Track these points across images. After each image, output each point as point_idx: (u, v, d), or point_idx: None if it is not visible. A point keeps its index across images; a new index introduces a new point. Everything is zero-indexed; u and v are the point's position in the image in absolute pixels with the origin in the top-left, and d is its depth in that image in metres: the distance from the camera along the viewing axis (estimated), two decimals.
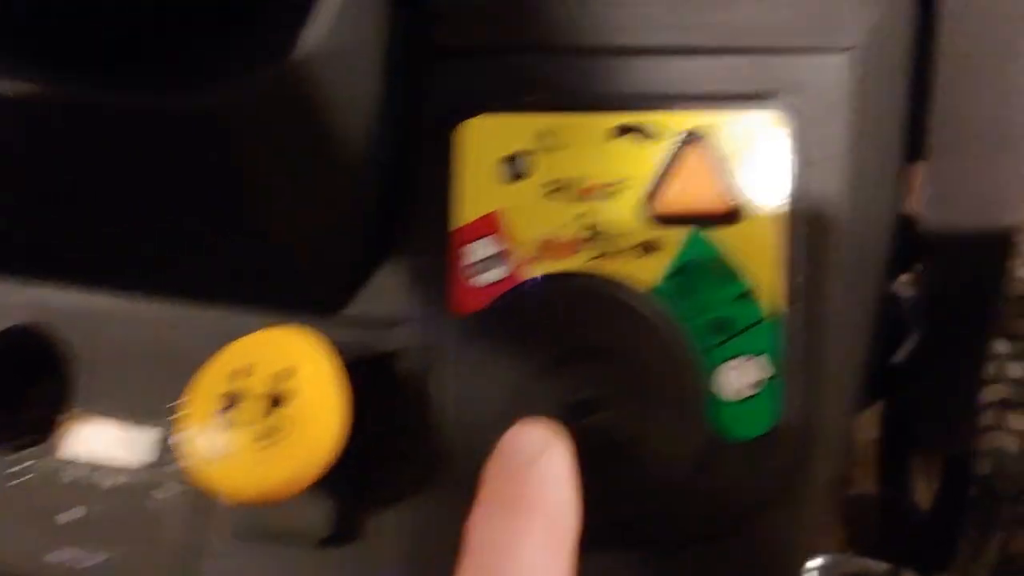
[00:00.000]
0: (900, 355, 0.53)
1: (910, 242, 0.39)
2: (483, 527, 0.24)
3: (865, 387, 0.42)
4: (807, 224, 0.29)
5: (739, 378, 0.30)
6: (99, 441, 0.33)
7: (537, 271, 0.30)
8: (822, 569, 0.83)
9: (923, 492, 1.07)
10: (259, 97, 0.25)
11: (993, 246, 0.37)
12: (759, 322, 0.30)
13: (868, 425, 1.13)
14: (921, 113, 0.36)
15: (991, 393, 0.93)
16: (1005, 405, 0.91)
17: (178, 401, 0.32)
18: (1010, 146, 0.36)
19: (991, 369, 0.96)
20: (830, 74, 0.29)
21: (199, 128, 0.25)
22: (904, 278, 0.48)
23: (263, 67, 0.25)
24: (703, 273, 0.30)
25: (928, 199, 0.37)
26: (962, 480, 0.93)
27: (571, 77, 0.30)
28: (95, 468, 0.33)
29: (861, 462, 1.19)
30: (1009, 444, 0.90)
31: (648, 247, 0.30)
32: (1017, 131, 0.36)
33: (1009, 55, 0.36)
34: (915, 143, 0.37)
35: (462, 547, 0.24)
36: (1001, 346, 0.94)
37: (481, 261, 0.30)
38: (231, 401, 0.28)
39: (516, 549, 0.23)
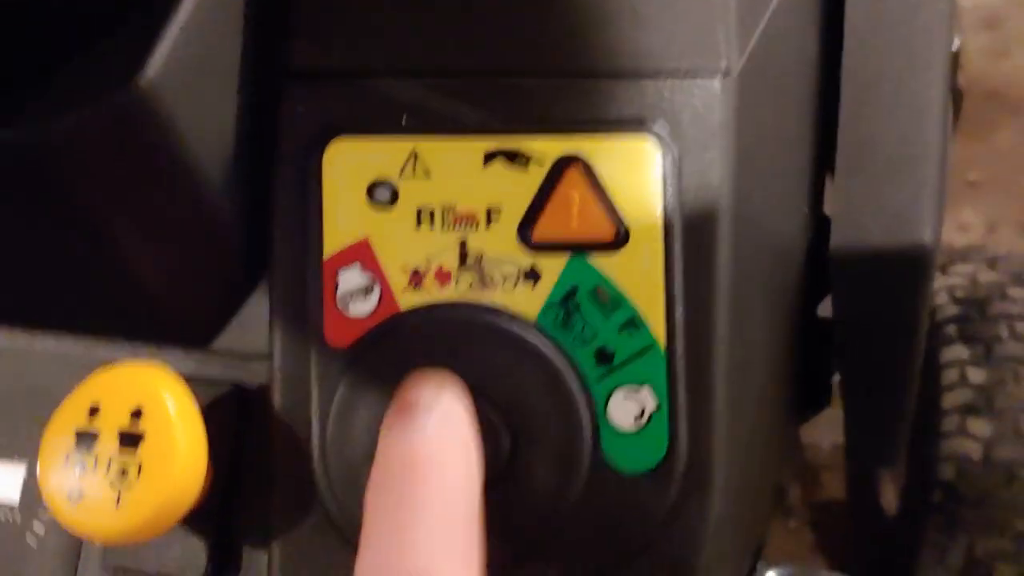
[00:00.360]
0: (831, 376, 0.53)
1: (822, 274, 0.38)
2: (378, 498, 0.25)
3: (802, 402, 0.42)
4: (688, 251, 0.28)
5: (626, 410, 0.29)
6: None
7: (411, 302, 0.29)
8: None
9: (890, 497, 1.07)
10: (102, 128, 0.24)
11: (905, 266, 0.36)
12: (644, 351, 0.29)
13: (833, 429, 1.12)
14: (826, 134, 0.35)
15: (953, 399, 0.92)
16: (967, 410, 0.91)
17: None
18: (918, 163, 0.35)
19: (952, 375, 0.95)
20: (707, 99, 0.28)
21: (39, 163, 0.24)
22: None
23: (104, 96, 0.23)
24: (585, 301, 0.29)
25: (835, 221, 0.36)
26: (926, 485, 0.92)
27: (438, 100, 0.28)
28: None
29: (828, 466, 1.19)
30: (971, 449, 0.90)
31: (527, 276, 0.29)
32: (924, 148, 0.35)
33: (914, 71, 0.35)
34: (820, 165, 0.36)
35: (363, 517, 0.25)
36: (962, 351, 0.93)
37: (352, 291, 0.29)
38: (84, 441, 0.27)
39: (412, 527, 0.24)
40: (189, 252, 0.29)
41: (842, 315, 0.39)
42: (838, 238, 0.36)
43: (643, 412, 0.29)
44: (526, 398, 0.28)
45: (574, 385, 0.29)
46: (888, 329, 0.40)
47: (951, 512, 0.91)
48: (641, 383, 0.29)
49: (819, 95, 0.36)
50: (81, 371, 0.31)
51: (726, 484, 0.29)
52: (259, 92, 0.29)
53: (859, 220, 0.36)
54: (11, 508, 0.31)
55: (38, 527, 0.31)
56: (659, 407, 0.29)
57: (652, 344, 0.28)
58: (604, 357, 0.29)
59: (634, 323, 0.28)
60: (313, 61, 0.28)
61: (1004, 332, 0.91)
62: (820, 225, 0.39)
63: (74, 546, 0.31)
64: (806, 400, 0.47)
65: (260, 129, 0.29)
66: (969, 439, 0.89)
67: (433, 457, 0.26)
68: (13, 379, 0.32)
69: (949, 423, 0.90)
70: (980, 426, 0.89)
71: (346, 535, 0.29)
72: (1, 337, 0.32)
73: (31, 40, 0.24)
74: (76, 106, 0.23)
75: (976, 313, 0.95)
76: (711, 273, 0.28)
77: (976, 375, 0.90)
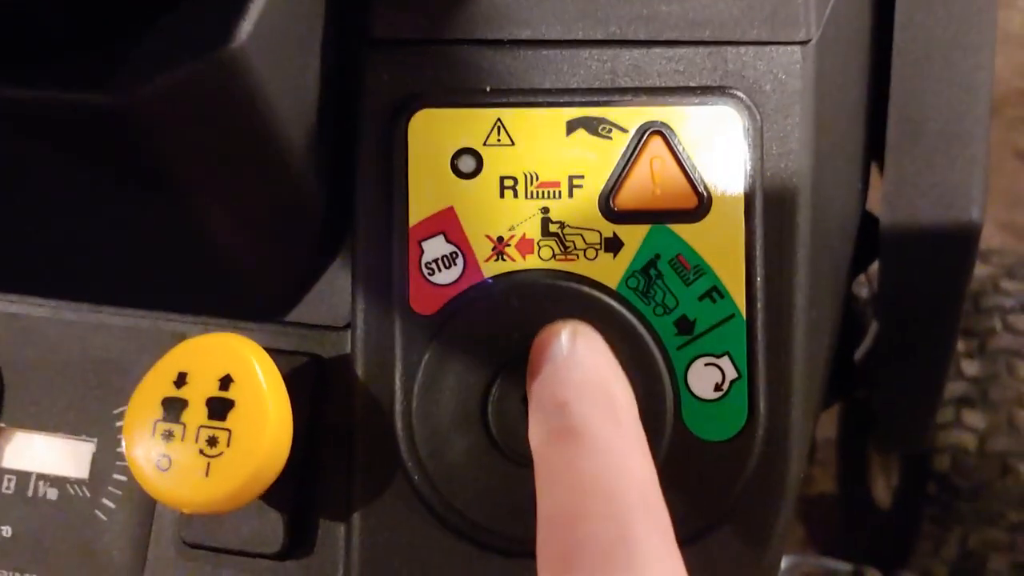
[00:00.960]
0: (858, 354, 0.53)
1: (869, 240, 0.38)
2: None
3: (827, 386, 0.42)
4: (769, 219, 0.28)
5: (706, 379, 0.29)
6: (30, 455, 0.31)
7: (494, 270, 0.29)
8: (785, 571, 0.83)
9: (882, 490, 1.08)
10: (190, 92, 0.23)
11: (952, 243, 0.37)
12: (724, 321, 0.29)
13: (826, 425, 1.13)
14: (880, 109, 0.36)
15: (949, 390, 0.93)
16: (962, 402, 0.92)
17: (116, 411, 0.31)
18: (967, 141, 0.35)
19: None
20: (787, 67, 0.29)
21: (129, 125, 0.24)
22: (860, 277, 0.48)
23: (194, 60, 0.23)
24: (666, 271, 0.29)
25: (886, 196, 0.36)
26: (921, 477, 0.93)
27: (522, 70, 0.29)
28: (26, 483, 0.31)
29: (820, 461, 1.20)
30: (967, 441, 0.91)
31: (608, 244, 0.29)
32: (974, 126, 0.35)
33: (964, 50, 0.35)
34: (875, 140, 0.37)
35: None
36: (958, 344, 0.94)
37: (436, 260, 0.29)
38: (172, 409, 0.27)
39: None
40: (270, 220, 0.28)
41: (887, 290, 0.40)
42: (887, 214, 0.36)
43: (723, 381, 0.29)
44: None
45: (655, 354, 0.29)
46: (932, 305, 0.40)
47: (946, 504, 0.92)
48: (722, 352, 0.29)
49: (872, 72, 0.36)
50: (150, 345, 0.31)
51: (802, 450, 0.30)
52: (341, 60, 0.29)
53: (909, 197, 0.36)
54: (81, 483, 0.31)
55: (108, 501, 0.31)
56: (739, 376, 0.29)
57: (734, 313, 0.29)
58: (685, 326, 0.29)
59: (716, 292, 0.29)
60: (396, 29, 0.28)
61: (998, 325, 0.92)
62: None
63: (145, 521, 0.31)
64: (832, 384, 0.47)
65: (342, 97, 0.29)
66: (964, 431, 0.90)
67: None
68: (80, 353, 0.32)
69: (944, 415, 0.91)
70: (975, 418, 0.90)
71: (431, 506, 0.29)
72: (68, 310, 0.32)
73: (120, 1, 0.24)
74: (166, 69, 0.23)
75: (970, 306, 0.96)
76: (792, 241, 0.29)
77: (970, 367, 0.91)
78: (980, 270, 0.98)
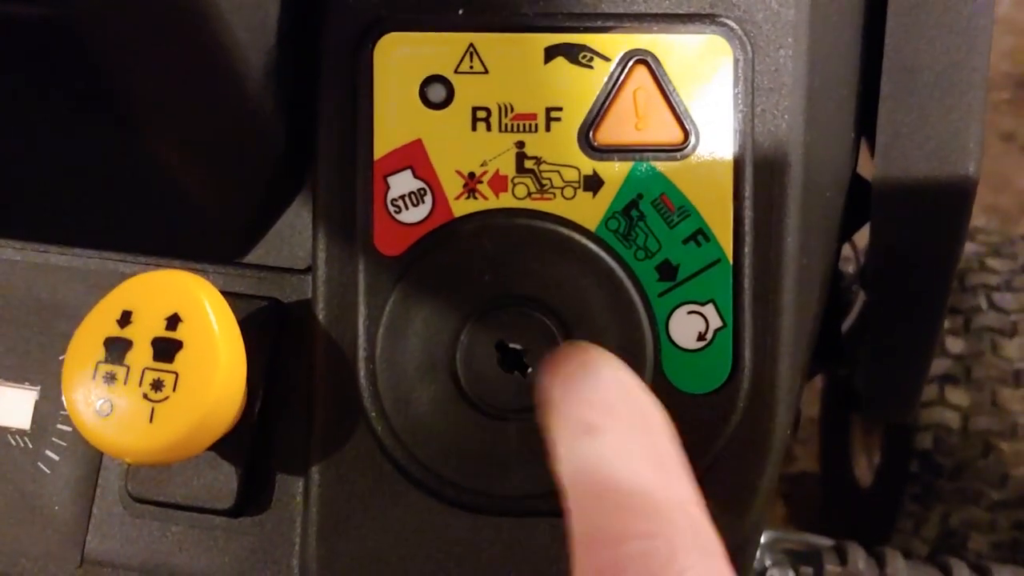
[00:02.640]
0: (844, 328, 0.52)
1: (859, 202, 0.36)
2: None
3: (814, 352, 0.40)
4: (759, 158, 0.27)
5: (689, 328, 0.27)
6: None
7: (465, 208, 0.27)
8: (765, 545, 0.82)
9: (864, 468, 1.07)
10: (136, 4, 0.21)
11: (948, 198, 0.35)
12: (710, 267, 0.27)
13: (809, 403, 1.12)
14: (870, 59, 0.34)
15: (932, 368, 0.92)
16: (946, 380, 0.91)
17: (61, 357, 0.29)
18: (964, 92, 0.34)
19: None
20: None
21: (72, 39, 0.22)
22: (844, 251, 0.46)
23: None
24: (648, 212, 0.27)
25: (879, 148, 0.34)
26: (903, 455, 0.92)
27: None
28: None
29: (803, 440, 1.19)
30: (949, 419, 0.90)
31: (588, 183, 0.27)
32: (970, 76, 0.34)
33: None
34: (868, 91, 0.35)
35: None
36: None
37: (402, 197, 0.27)
38: (115, 350, 0.25)
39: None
40: (225, 153, 0.27)
41: (879, 247, 0.38)
42: (881, 166, 0.35)
43: (707, 330, 0.27)
44: (585, 314, 0.27)
45: (636, 301, 0.27)
46: (925, 262, 0.39)
47: (928, 482, 0.91)
48: (706, 300, 0.27)
49: (866, 15, 0.35)
50: (98, 287, 0.29)
51: (789, 404, 0.28)
52: None
53: (903, 149, 0.34)
54: (22, 433, 0.29)
55: (51, 453, 0.29)
56: (724, 325, 0.27)
57: (720, 258, 0.27)
58: (668, 271, 0.27)
59: (701, 235, 0.27)
60: None
61: (983, 303, 0.91)
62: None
63: (91, 473, 0.29)
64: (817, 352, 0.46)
65: (304, 19, 0.27)
66: (947, 409, 0.89)
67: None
68: (24, 295, 0.30)
69: (927, 393, 0.90)
70: (958, 396, 0.89)
71: (395, 459, 0.27)
72: (10, 250, 0.30)
73: None
74: None
75: (955, 284, 0.95)
76: (783, 181, 0.27)
77: (955, 345, 0.91)
78: (966, 247, 0.97)
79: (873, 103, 0.34)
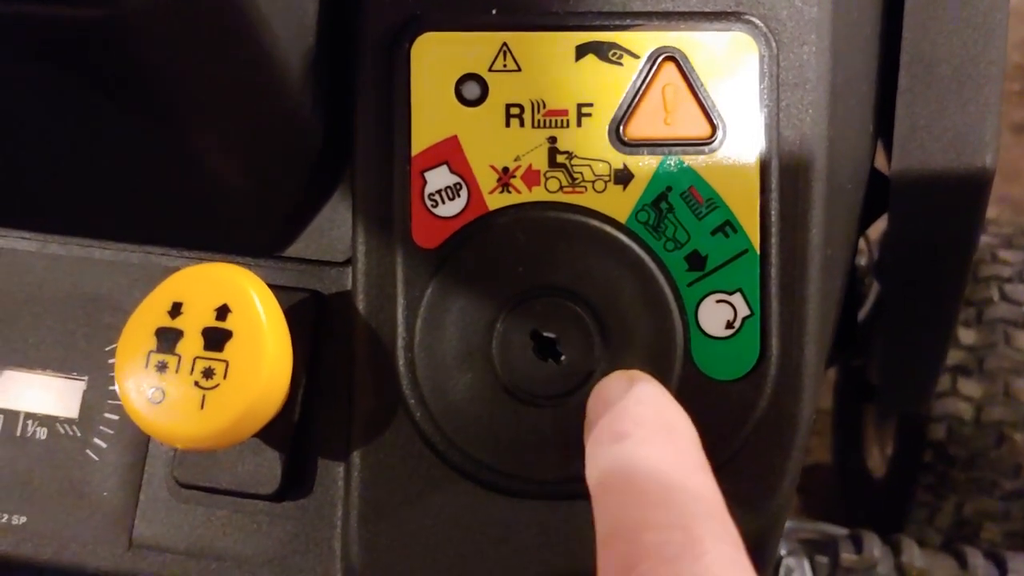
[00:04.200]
0: (860, 317, 0.52)
1: (875, 195, 0.37)
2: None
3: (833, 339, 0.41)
4: (785, 151, 0.28)
5: (718, 316, 0.28)
6: (18, 394, 0.30)
7: (500, 202, 0.28)
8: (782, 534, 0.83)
9: (877, 459, 1.08)
10: (181, 6, 0.22)
11: (964, 190, 0.36)
12: (738, 256, 0.28)
13: (822, 395, 1.13)
14: (888, 52, 0.35)
15: (946, 359, 0.93)
16: (959, 371, 0.91)
17: (107, 348, 0.30)
18: (981, 84, 0.34)
19: None
20: None
21: (119, 41, 0.22)
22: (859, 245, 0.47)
23: None
24: (677, 204, 0.28)
25: (897, 141, 0.35)
26: (916, 446, 0.93)
27: None
28: (14, 423, 0.30)
29: (816, 431, 1.19)
30: (962, 409, 0.90)
31: (618, 176, 0.28)
32: (987, 69, 0.34)
33: None
34: (885, 86, 0.36)
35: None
36: None
37: (439, 191, 0.28)
38: (166, 340, 0.26)
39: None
40: (265, 149, 0.27)
41: (896, 240, 0.39)
42: (898, 159, 0.35)
43: (735, 318, 0.28)
44: (616, 303, 0.28)
45: (665, 290, 0.28)
46: (942, 253, 0.40)
47: (941, 473, 0.92)
48: (734, 289, 0.28)
49: (884, 9, 0.35)
50: (142, 281, 0.30)
51: (814, 390, 0.29)
52: None
53: (920, 141, 0.35)
54: (71, 422, 0.30)
55: (99, 441, 0.30)
56: (752, 314, 0.28)
57: (747, 248, 0.28)
58: (696, 261, 0.28)
59: (729, 226, 0.28)
60: None
61: (995, 294, 0.92)
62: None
63: (138, 460, 0.30)
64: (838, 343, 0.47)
65: (342, 19, 0.28)
66: (960, 400, 0.90)
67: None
68: (69, 289, 0.31)
69: (940, 384, 0.91)
70: (971, 387, 0.90)
71: (433, 445, 0.28)
72: (56, 245, 0.31)
73: None
74: None
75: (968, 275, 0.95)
76: (808, 175, 0.28)
77: (967, 336, 0.91)
78: None
79: (890, 98, 0.35)
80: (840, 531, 0.78)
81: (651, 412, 0.24)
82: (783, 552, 0.82)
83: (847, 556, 0.70)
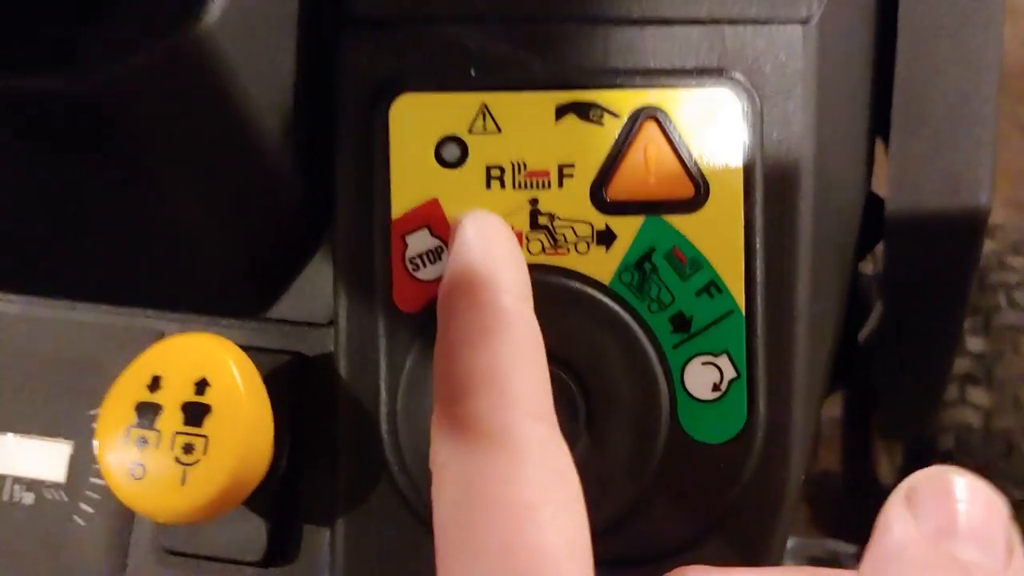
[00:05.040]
0: (863, 335, 0.52)
1: (874, 221, 0.37)
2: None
3: (831, 375, 0.41)
4: (770, 209, 0.27)
5: (704, 379, 0.28)
6: (4, 457, 0.30)
7: None
8: (787, 552, 0.82)
9: (886, 469, 1.07)
10: (155, 76, 0.22)
11: (960, 228, 0.36)
12: (723, 318, 0.27)
13: (831, 404, 1.12)
14: (885, 90, 0.34)
15: (953, 368, 0.92)
16: (967, 380, 0.91)
17: (92, 412, 0.30)
18: (975, 123, 0.34)
19: None
20: (788, 47, 0.27)
21: (90, 111, 0.22)
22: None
23: (159, 42, 0.22)
24: (661, 265, 0.27)
25: (892, 180, 0.35)
26: (925, 456, 0.92)
27: (508, 51, 0.27)
28: (0, 486, 0.30)
29: (825, 441, 1.19)
30: (972, 419, 0.90)
31: (601, 237, 0.27)
32: (982, 107, 0.34)
33: (972, 27, 0.34)
34: (880, 122, 0.35)
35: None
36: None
37: (420, 255, 0.28)
38: (146, 415, 0.26)
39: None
40: (245, 211, 0.27)
41: (893, 276, 0.39)
42: (893, 199, 0.35)
43: (722, 381, 0.28)
44: (601, 365, 0.27)
45: (650, 353, 0.27)
46: (938, 291, 0.39)
47: None
48: (720, 351, 0.28)
49: (876, 49, 0.35)
50: (126, 343, 0.30)
51: (804, 448, 0.29)
52: (318, 41, 0.27)
53: (915, 181, 0.35)
54: (57, 486, 0.30)
55: (86, 506, 0.30)
56: (738, 375, 0.28)
57: (733, 309, 0.27)
58: (681, 323, 0.28)
59: (714, 286, 0.27)
60: (376, 7, 0.27)
61: (1003, 301, 0.91)
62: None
63: (124, 527, 0.30)
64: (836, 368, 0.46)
65: (320, 81, 0.28)
66: (968, 409, 0.89)
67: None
68: (54, 352, 0.30)
69: (949, 393, 0.90)
70: (979, 396, 0.89)
71: (416, 510, 0.27)
72: (42, 307, 0.31)
73: None
74: (132, 50, 0.22)
75: (975, 283, 0.94)
76: (793, 232, 0.27)
77: (975, 344, 0.90)
78: (985, 246, 0.96)
79: (886, 129, 0.35)
80: (848, 549, 0.78)
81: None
82: None
83: None
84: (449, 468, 0.22)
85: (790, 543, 0.84)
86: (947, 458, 0.90)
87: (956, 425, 0.89)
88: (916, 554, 0.20)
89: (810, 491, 1.17)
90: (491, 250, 0.25)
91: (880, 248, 0.48)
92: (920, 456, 0.94)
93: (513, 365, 0.23)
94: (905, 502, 0.20)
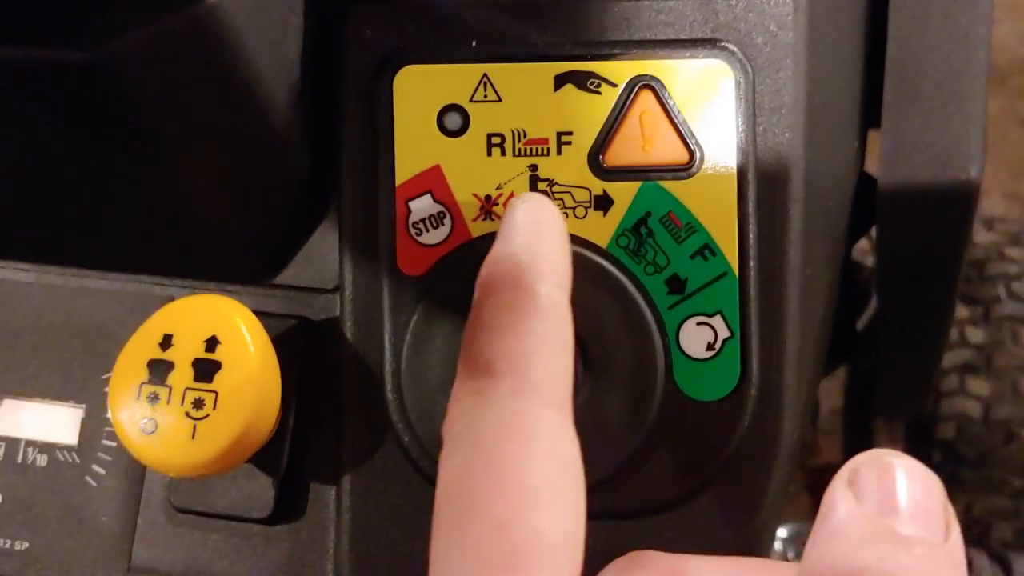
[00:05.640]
0: (861, 322, 0.53)
1: (869, 203, 0.38)
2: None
3: (827, 351, 0.42)
4: (762, 176, 0.28)
5: (698, 338, 0.28)
6: (19, 422, 0.31)
7: (482, 229, 0.28)
8: (788, 539, 0.83)
9: None
10: (165, 48, 0.23)
11: (951, 202, 0.36)
12: (717, 280, 0.28)
13: (831, 395, 1.13)
14: (876, 67, 0.35)
15: (953, 358, 0.93)
16: (967, 369, 0.91)
17: (104, 376, 0.31)
18: (965, 99, 0.35)
19: (952, 334, 0.96)
20: (780, 19, 0.28)
21: (102, 83, 0.23)
22: (863, 244, 0.47)
23: (169, 15, 0.23)
24: (657, 229, 0.28)
25: (884, 156, 0.35)
26: (925, 445, 0.93)
27: (509, 23, 0.28)
28: (15, 450, 0.31)
29: (826, 431, 1.19)
30: (971, 408, 0.91)
31: (598, 202, 0.28)
32: (972, 83, 0.35)
33: (961, 5, 0.35)
34: (871, 100, 0.36)
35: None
36: (961, 311, 0.94)
37: (423, 220, 0.28)
38: (157, 372, 0.26)
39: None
40: (253, 179, 0.28)
41: (886, 250, 0.39)
42: (885, 174, 0.36)
43: (716, 340, 0.28)
44: (598, 326, 0.28)
45: (646, 314, 0.28)
46: (931, 265, 0.40)
47: (950, 472, 0.92)
48: (714, 311, 0.28)
49: (867, 27, 0.36)
50: (136, 309, 0.31)
51: (796, 410, 0.29)
52: (323, 15, 0.28)
53: (906, 156, 0.35)
54: (70, 448, 0.31)
55: (97, 467, 0.31)
56: (732, 335, 0.28)
57: (727, 271, 0.28)
58: (676, 285, 0.28)
59: (708, 249, 0.28)
60: None
61: (1002, 292, 0.92)
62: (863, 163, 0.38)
63: (135, 486, 0.30)
64: (833, 350, 0.47)
65: (325, 54, 0.28)
66: (968, 398, 0.90)
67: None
68: (66, 318, 0.31)
69: (948, 383, 0.91)
70: (979, 385, 0.90)
71: (421, 468, 0.28)
72: (53, 275, 0.31)
73: None
74: (140, 24, 0.22)
75: (974, 273, 0.95)
76: (785, 198, 0.28)
77: (975, 335, 0.91)
78: (985, 237, 0.97)
79: (876, 112, 0.36)
80: None
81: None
82: (790, 556, 0.83)
83: None
84: (461, 439, 0.23)
85: (790, 529, 0.84)
86: (948, 447, 0.91)
87: (956, 414, 0.90)
88: (859, 530, 0.20)
89: (811, 481, 1.17)
90: (538, 236, 0.26)
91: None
92: (920, 446, 0.95)
93: (540, 352, 0.23)
94: (848, 483, 0.21)
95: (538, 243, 0.25)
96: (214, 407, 0.26)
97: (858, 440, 1.11)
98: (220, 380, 0.26)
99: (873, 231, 0.40)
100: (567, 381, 0.24)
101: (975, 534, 0.92)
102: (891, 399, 0.51)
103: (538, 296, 0.24)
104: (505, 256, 0.25)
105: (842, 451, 1.15)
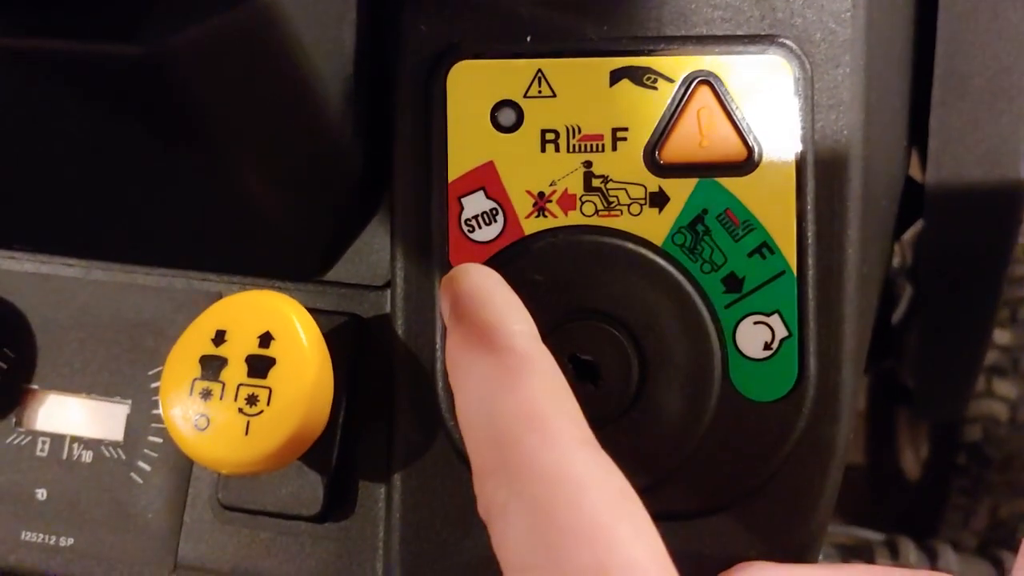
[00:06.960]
0: (893, 320, 0.52)
1: (910, 202, 0.37)
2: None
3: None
4: (821, 173, 0.28)
5: (755, 338, 0.28)
6: (64, 417, 0.31)
7: (536, 227, 0.28)
8: None
9: (911, 461, 1.07)
10: (222, 43, 0.23)
11: (999, 202, 0.36)
12: (774, 278, 0.28)
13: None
14: (925, 64, 0.35)
15: None
16: (993, 371, 0.91)
17: (150, 372, 0.30)
18: (1014, 97, 0.34)
19: None
20: (837, 15, 0.28)
21: (159, 78, 0.23)
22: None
23: (227, 10, 0.22)
24: (714, 226, 0.28)
25: (932, 154, 0.35)
26: (951, 448, 0.92)
27: (564, 19, 0.28)
28: (60, 446, 0.31)
29: None
30: (998, 410, 0.90)
31: (654, 199, 0.28)
32: (1020, 81, 0.34)
33: (1010, 2, 0.34)
34: (919, 98, 0.36)
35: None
36: None
37: (476, 216, 0.28)
38: (210, 368, 0.26)
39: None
40: (306, 176, 0.28)
41: (931, 249, 0.39)
42: (933, 171, 0.36)
43: (773, 340, 0.28)
44: (654, 325, 0.28)
45: (703, 313, 0.28)
46: (977, 264, 0.40)
47: (976, 475, 0.91)
48: (771, 310, 0.28)
49: (917, 25, 0.35)
50: (185, 306, 0.31)
51: (853, 411, 0.29)
52: (378, 10, 0.28)
53: (955, 154, 0.35)
54: (116, 444, 0.31)
55: (143, 464, 0.30)
56: (790, 335, 0.28)
57: (784, 270, 0.28)
58: (733, 283, 0.28)
59: (766, 248, 0.28)
60: None
61: None
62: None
63: (182, 483, 0.30)
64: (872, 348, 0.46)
65: (380, 49, 0.28)
66: (995, 400, 0.89)
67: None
68: (113, 314, 0.31)
69: (976, 384, 0.90)
70: (1006, 387, 0.89)
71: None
72: (100, 271, 0.31)
73: None
74: (198, 19, 0.22)
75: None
76: (844, 195, 0.28)
77: (1001, 337, 0.90)
78: None
79: (923, 111, 0.35)
80: (876, 536, 0.78)
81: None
82: (819, 557, 0.82)
83: (883, 562, 0.70)
84: (510, 511, 0.22)
85: None
86: (974, 450, 0.90)
87: (983, 416, 0.89)
88: None
89: None
90: (490, 298, 0.25)
91: (907, 239, 0.48)
92: (945, 448, 0.94)
93: (549, 401, 0.23)
94: None
95: (493, 303, 0.25)
96: (268, 403, 0.26)
97: (881, 441, 1.10)
98: (274, 376, 0.26)
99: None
100: (580, 415, 0.23)
101: (1001, 537, 0.92)
102: (929, 401, 0.51)
103: (520, 350, 0.24)
104: (467, 327, 0.24)
105: (864, 454, 1.14)
